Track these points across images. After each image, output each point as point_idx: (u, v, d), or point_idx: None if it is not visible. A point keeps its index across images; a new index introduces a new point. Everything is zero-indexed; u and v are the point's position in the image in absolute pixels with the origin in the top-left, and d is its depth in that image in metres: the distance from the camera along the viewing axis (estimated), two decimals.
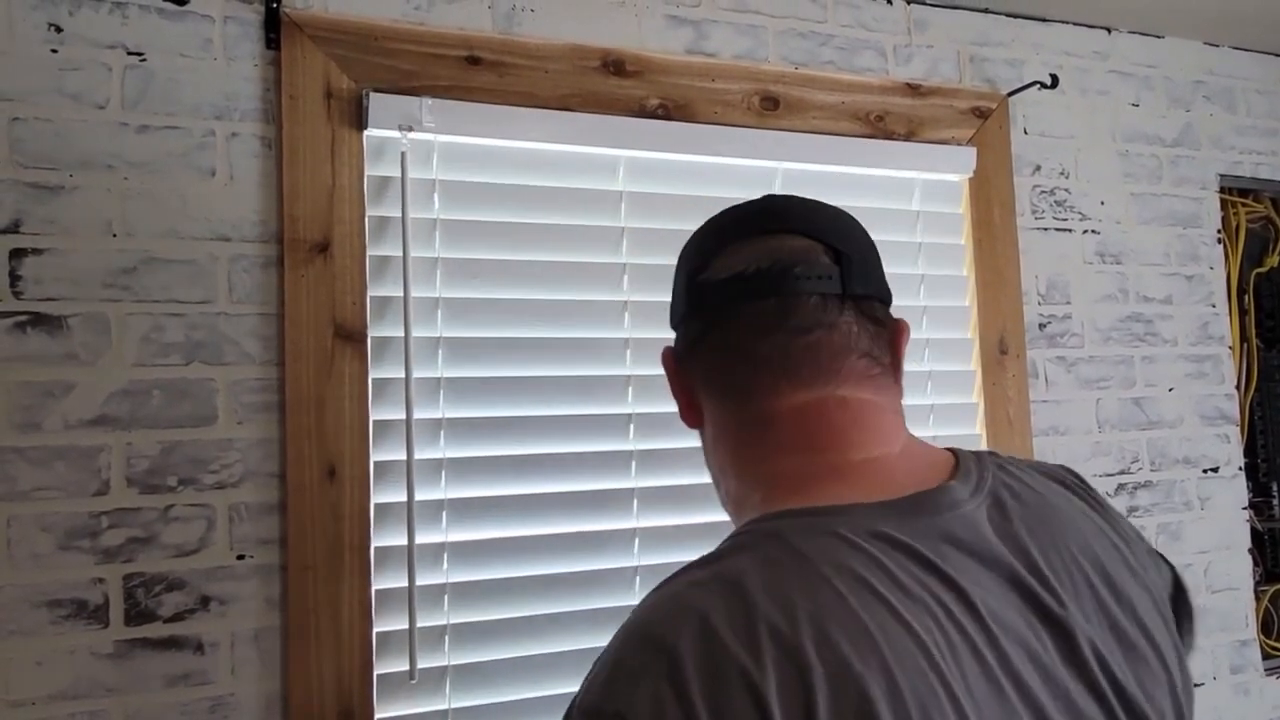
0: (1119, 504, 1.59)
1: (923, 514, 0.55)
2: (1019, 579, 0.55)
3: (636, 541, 1.26)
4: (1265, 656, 1.69)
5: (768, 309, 0.61)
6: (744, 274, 0.62)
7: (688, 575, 0.56)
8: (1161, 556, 0.66)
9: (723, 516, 1.31)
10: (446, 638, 1.16)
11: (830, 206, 0.68)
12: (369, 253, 1.16)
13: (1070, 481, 0.66)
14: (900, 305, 1.45)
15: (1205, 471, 1.68)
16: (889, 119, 1.47)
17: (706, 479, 1.31)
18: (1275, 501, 1.80)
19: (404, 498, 1.14)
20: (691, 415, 0.69)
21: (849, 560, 0.51)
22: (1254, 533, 1.73)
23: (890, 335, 0.65)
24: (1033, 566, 0.56)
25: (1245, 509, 1.72)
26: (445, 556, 1.17)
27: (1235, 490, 1.71)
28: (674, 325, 0.69)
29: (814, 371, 0.61)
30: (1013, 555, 0.56)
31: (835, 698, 0.46)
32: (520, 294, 1.24)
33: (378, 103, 1.15)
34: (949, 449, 0.64)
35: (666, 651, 0.49)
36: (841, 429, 0.60)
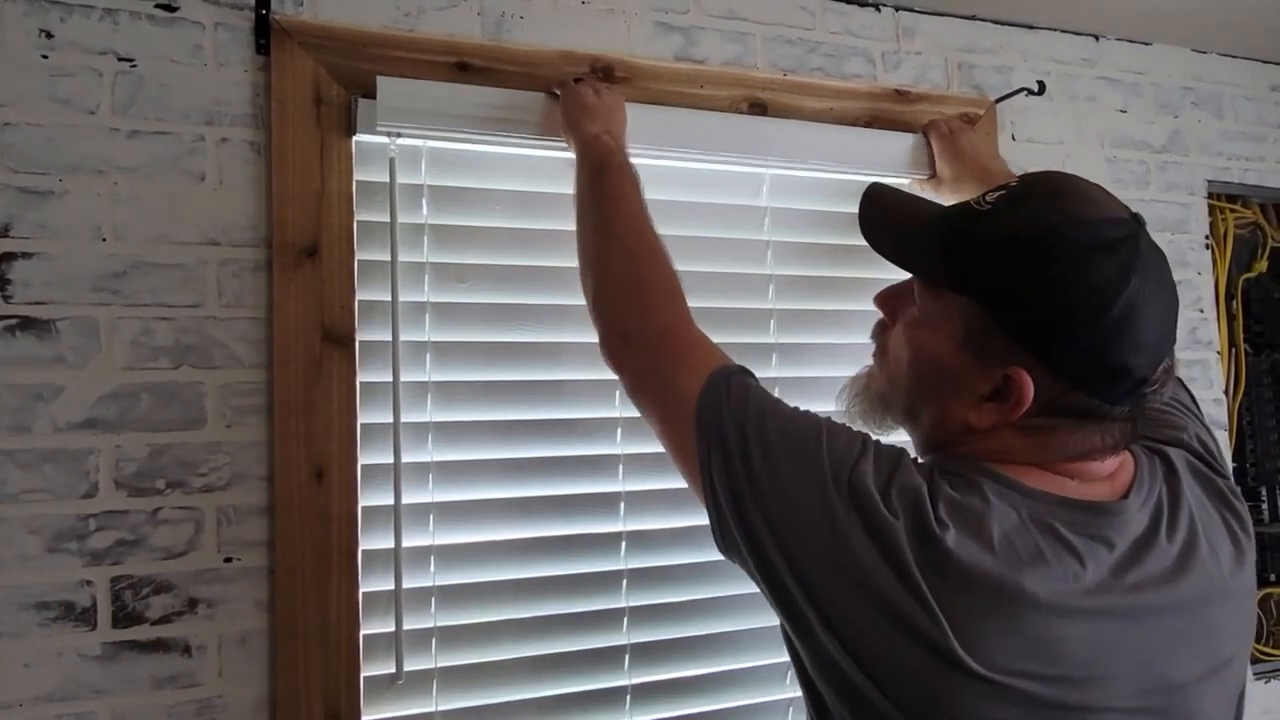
0: None
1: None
2: None
3: (623, 545, 1.27)
4: (1254, 661, 1.70)
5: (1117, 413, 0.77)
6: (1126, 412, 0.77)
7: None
8: None
9: (707, 520, 1.31)
10: (434, 640, 1.16)
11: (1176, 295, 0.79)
12: (357, 257, 1.17)
13: None
14: None
15: None
16: (877, 125, 1.48)
17: None
18: (1264, 506, 1.80)
19: (392, 501, 1.14)
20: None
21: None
22: None
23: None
24: None
25: None
26: (432, 560, 1.17)
27: None
28: (1047, 339, 0.75)
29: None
30: None
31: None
32: (509, 298, 1.25)
33: (366, 108, 1.16)
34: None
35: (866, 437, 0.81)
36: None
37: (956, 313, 0.77)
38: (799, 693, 1.30)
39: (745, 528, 0.77)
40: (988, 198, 0.80)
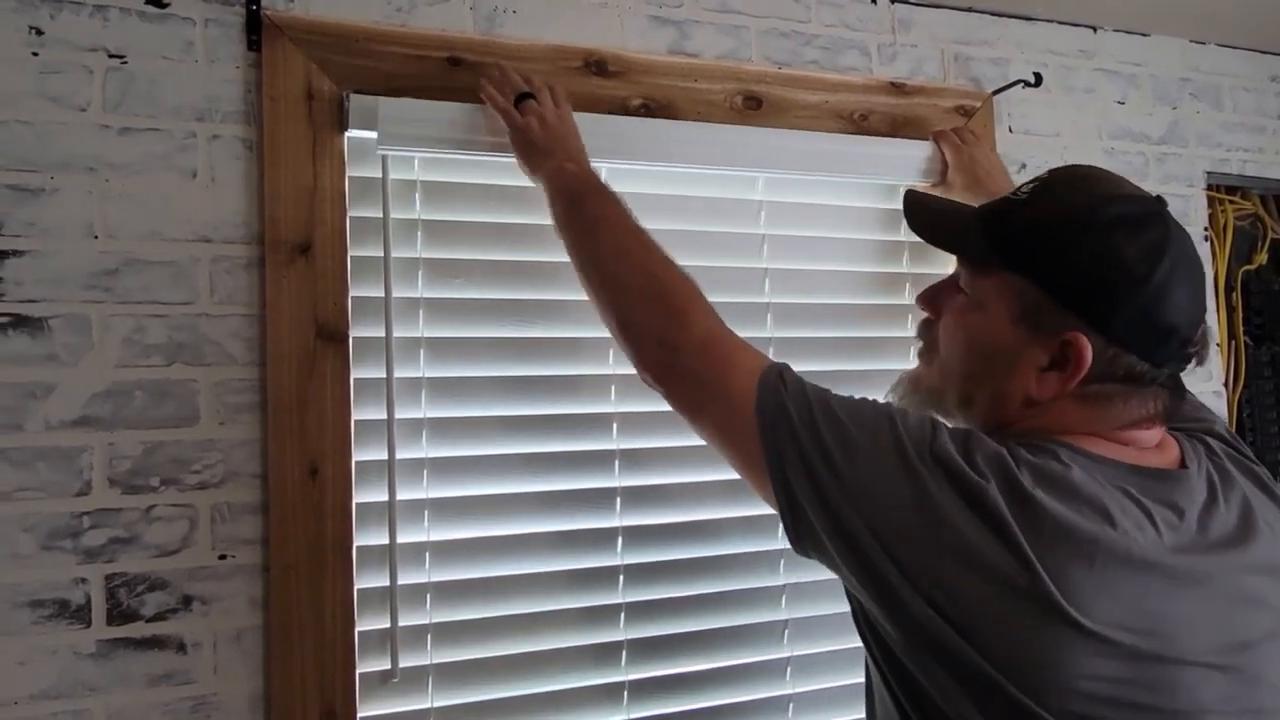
0: None
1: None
2: None
3: (620, 540, 1.27)
4: None
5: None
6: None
7: None
8: None
9: (703, 515, 1.32)
10: (429, 637, 1.16)
11: None
12: (350, 253, 1.16)
13: None
14: (888, 303, 1.46)
15: None
16: (873, 118, 1.48)
17: (688, 479, 1.32)
18: None
19: (386, 497, 1.14)
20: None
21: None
22: None
23: None
24: None
25: None
26: (428, 556, 1.17)
27: None
28: (1098, 305, 0.80)
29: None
30: None
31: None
32: (502, 294, 1.24)
33: (359, 104, 1.16)
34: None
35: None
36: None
37: (1008, 291, 0.83)
38: (798, 689, 1.32)
39: (831, 520, 0.78)
40: (1023, 189, 0.87)
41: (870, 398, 0.85)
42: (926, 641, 0.75)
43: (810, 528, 0.80)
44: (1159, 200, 0.82)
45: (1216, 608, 0.76)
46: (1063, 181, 0.86)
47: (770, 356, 0.90)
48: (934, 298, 0.93)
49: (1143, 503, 0.77)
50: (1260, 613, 0.79)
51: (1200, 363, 0.84)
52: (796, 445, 0.80)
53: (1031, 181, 0.87)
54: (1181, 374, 0.84)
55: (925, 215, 0.95)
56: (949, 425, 0.82)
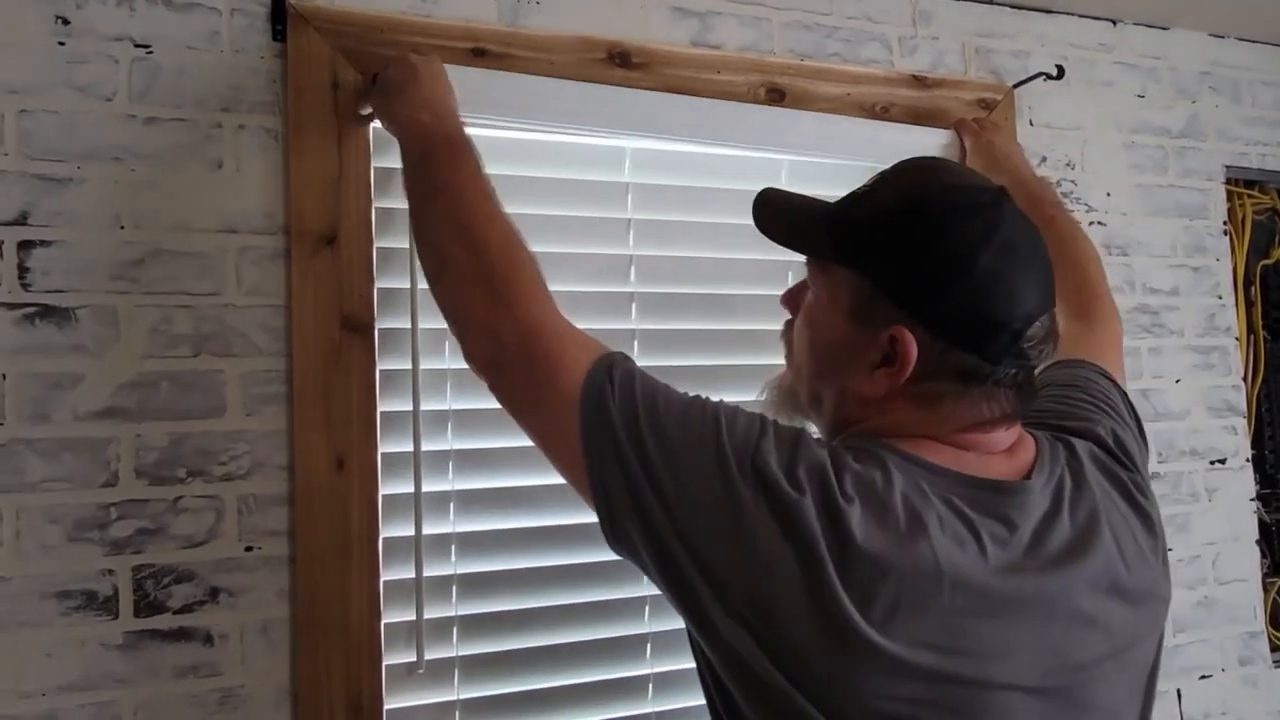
0: None
1: None
2: None
3: None
4: (1273, 648, 1.69)
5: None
6: (1021, 371, 0.78)
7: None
8: None
9: None
10: (454, 629, 1.16)
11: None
12: (376, 244, 1.16)
13: None
14: None
15: (1212, 463, 1.68)
16: (894, 110, 1.47)
17: None
18: None
19: (412, 489, 1.14)
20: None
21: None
22: (1261, 525, 1.73)
23: None
24: None
25: (1253, 500, 1.72)
26: (453, 548, 1.17)
27: (1243, 482, 1.71)
28: (922, 296, 0.76)
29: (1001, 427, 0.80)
30: None
31: None
32: None
33: None
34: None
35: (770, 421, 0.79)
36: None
37: (843, 286, 0.81)
38: None
39: (650, 535, 0.74)
40: (868, 182, 0.85)
41: (703, 396, 0.80)
42: (736, 658, 0.73)
43: (627, 537, 0.76)
44: (1000, 191, 0.78)
45: (1042, 628, 0.73)
46: (903, 172, 0.84)
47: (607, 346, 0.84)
48: (793, 297, 0.89)
49: (968, 517, 0.74)
50: (1095, 634, 0.76)
51: (1044, 359, 0.79)
52: (618, 454, 0.75)
53: (878, 174, 0.85)
54: (1034, 373, 0.79)
55: (771, 212, 0.90)
56: (779, 424, 0.78)
